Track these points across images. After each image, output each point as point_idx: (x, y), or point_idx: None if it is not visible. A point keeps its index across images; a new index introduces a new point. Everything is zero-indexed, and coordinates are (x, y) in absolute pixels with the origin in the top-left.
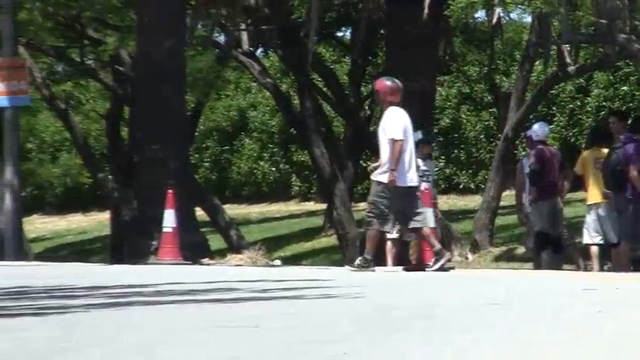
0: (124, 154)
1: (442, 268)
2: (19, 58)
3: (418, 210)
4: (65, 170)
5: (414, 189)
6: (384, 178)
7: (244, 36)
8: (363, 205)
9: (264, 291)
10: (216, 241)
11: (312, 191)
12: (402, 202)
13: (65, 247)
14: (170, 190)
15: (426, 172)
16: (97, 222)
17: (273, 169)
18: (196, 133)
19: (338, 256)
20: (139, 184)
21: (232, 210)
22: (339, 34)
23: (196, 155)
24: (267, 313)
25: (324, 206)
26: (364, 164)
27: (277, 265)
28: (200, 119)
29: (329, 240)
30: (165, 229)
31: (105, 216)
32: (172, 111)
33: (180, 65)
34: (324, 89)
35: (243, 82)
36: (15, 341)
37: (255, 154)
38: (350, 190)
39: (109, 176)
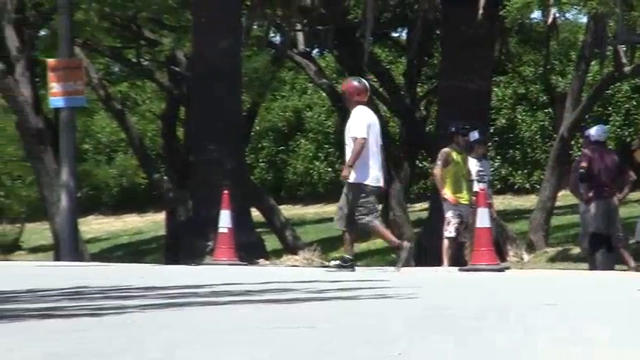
0: (179, 155)
1: (406, 263)
2: (76, 59)
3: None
4: (121, 171)
5: (377, 189)
6: (351, 177)
7: (300, 36)
8: (418, 205)
9: (320, 291)
10: (271, 242)
11: None
12: (358, 200)
13: (121, 248)
14: (226, 191)
15: (481, 173)
16: (152, 222)
17: (329, 169)
18: (252, 134)
19: (393, 257)
20: (194, 185)
21: (288, 210)
22: (395, 34)
23: (252, 156)
24: (322, 314)
25: (379, 206)
26: (420, 164)
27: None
28: (256, 119)
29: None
30: (220, 230)
31: (160, 216)
32: (228, 111)
33: (236, 65)
34: (380, 89)
35: (298, 83)
36: (74, 342)
37: (310, 155)
38: (406, 190)
39: (165, 177)
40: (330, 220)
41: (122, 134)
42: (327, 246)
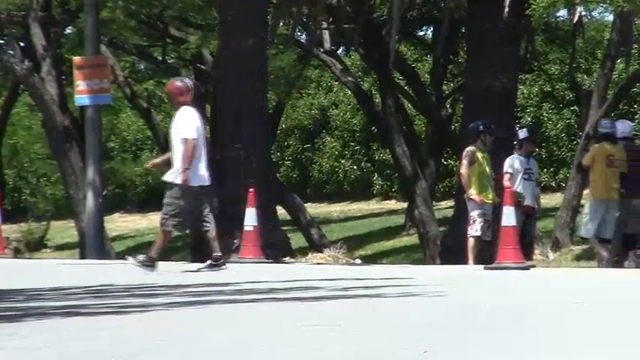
0: (206, 153)
1: (213, 269)
2: (101, 57)
3: (207, 212)
4: (147, 169)
5: (205, 188)
6: (178, 179)
7: (326, 34)
8: (444, 203)
9: (345, 289)
10: (297, 240)
11: (393, 190)
12: (191, 201)
13: (146, 246)
14: (251, 189)
15: (529, 171)
16: None
17: (355, 167)
18: (278, 132)
19: (419, 254)
20: (220, 183)
21: (313, 208)
22: (421, 32)
23: (278, 154)
24: (348, 312)
25: (405, 205)
26: (445, 162)
27: (358, 264)
28: (282, 118)
29: (410, 239)
30: (246, 228)
31: None
32: (254, 109)
33: (262, 64)
34: (406, 88)
35: (324, 81)
36: (98, 340)
37: (336, 153)
38: (431, 188)
39: None
40: (356, 218)
41: (148, 132)
42: (352, 244)
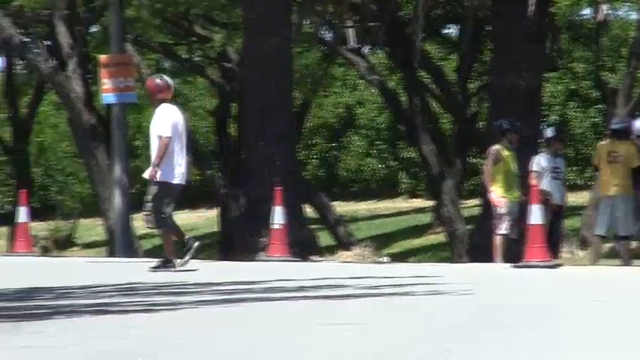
0: (232, 151)
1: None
2: (127, 55)
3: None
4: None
5: (179, 187)
6: (158, 176)
7: (351, 33)
8: (471, 202)
9: (373, 288)
10: (324, 238)
11: (419, 188)
12: (166, 198)
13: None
14: (279, 187)
15: (557, 170)
16: (205, 219)
17: (381, 165)
18: (303, 130)
19: (446, 253)
20: (247, 181)
21: (340, 207)
22: (446, 31)
23: (304, 152)
24: (373, 310)
25: (431, 203)
26: (471, 161)
27: (386, 262)
28: (307, 116)
29: (437, 237)
30: (274, 226)
31: (213, 213)
32: (279, 108)
33: (287, 62)
34: (431, 86)
35: (350, 79)
36: (128, 338)
37: (362, 151)
38: (458, 186)
39: (218, 173)
40: (383, 216)
41: None
42: (379, 242)
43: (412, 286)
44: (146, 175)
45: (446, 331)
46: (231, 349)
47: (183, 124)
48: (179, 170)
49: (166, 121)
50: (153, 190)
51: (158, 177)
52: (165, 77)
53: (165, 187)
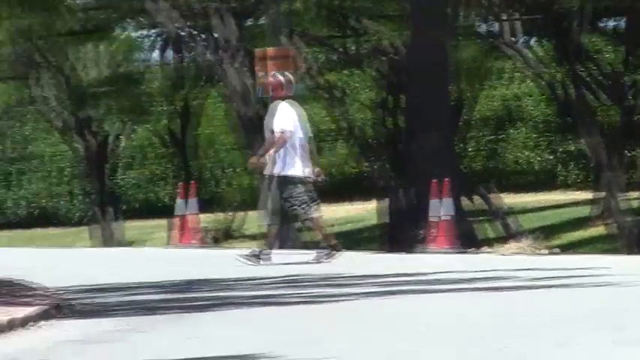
0: (397, 143)
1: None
2: (290, 48)
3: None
4: (332, 160)
5: (305, 179)
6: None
7: (512, 25)
8: (636, 194)
9: (544, 279)
10: (484, 230)
11: (579, 180)
12: (297, 190)
13: (337, 236)
14: (444, 179)
15: None
16: (363, 211)
17: (540, 158)
18: (462, 123)
19: (609, 245)
20: (410, 174)
21: (499, 199)
22: (610, 23)
23: (462, 145)
24: (554, 303)
25: (591, 195)
26: (633, 153)
27: (556, 254)
28: (466, 109)
29: (598, 229)
30: (439, 218)
31: (370, 205)
32: (439, 101)
33: (446, 55)
34: (587, 79)
35: (509, 72)
36: (294, 330)
37: (522, 144)
38: (623, 178)
39: (382, 165)
40: (547, 208)
41: (331, 124)
42: (542, 234)
43: (582, 278)
44: (274, 172)
45: (625, 321)
46: (370, 341)
47: (303, 119)
48: (299, 164)
49: (286, 117)
50: (282, 187)
51: (277, 171)
52: (288, 74)
53: (292, 180)
